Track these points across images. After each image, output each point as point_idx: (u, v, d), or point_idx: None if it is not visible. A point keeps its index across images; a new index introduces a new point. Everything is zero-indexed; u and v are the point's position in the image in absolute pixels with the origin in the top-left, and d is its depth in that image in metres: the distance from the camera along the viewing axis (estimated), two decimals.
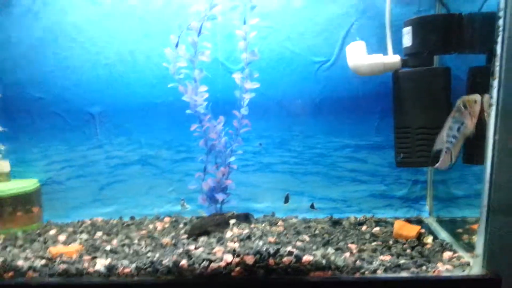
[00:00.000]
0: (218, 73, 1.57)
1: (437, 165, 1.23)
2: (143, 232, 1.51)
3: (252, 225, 1.49)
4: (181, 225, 1.56)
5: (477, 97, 1.17)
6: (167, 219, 1.63)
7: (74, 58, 1.60)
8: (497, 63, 1.08)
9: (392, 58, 1.36)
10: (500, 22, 1.06)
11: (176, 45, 1.44)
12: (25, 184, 1.59)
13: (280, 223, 1.53)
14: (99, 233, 1.53)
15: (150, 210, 1.68)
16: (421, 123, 1.29)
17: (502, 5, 1.05)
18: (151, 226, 1.57)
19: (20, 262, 1.29)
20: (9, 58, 1.60)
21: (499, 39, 1.07)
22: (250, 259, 1.20)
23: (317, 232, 1.43)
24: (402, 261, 1.20)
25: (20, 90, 1.62)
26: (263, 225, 1.50)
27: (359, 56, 1.37)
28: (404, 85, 1.34)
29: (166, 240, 1.42)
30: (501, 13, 1.05)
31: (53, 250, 1.38)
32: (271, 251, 1.21)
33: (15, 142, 1.64)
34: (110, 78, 1.61)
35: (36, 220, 1.62)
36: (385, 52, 1.36)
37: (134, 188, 1.67)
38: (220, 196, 1.52)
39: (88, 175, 1.67)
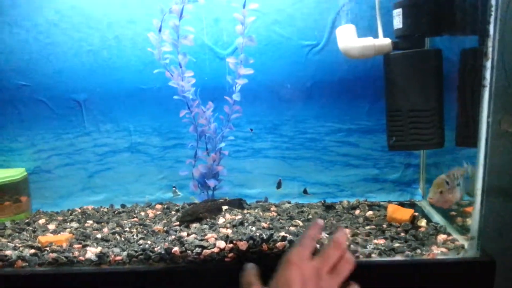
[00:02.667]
0: (206, 58, 1.54)
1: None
2: (135, 219, 1.49)
3: (245, 211, 1.48)
4: (173, 212, 1.55)
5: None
6: (158, 206, 1.62)
7: (56, 45, 1.55)
8: (490, 44, 1.07)
9: (383, 41, 1.34)
10: (493, 1, 1.05)
11: (159, 30, 1.40)
12: (12, 173, 1.55)
13: (273, 208, 1.52)
14: (89, 222, 1.50)
15: (141, 197, 1.65)
16: (413, 106, 1.28)
17: None
18: (142, 214, 1.55)
19: (8, 252, 1.26)
20: None
21: (492, 19, 1.06)
22: (243, 245, 1.19)
23: (310, 217, 1.43)
24: (396, 244, 1.21)
25: (3, 78, 1.57)
26: (256, 210, 1.49)
27: (350, 39, 1.34)
28: (396, 68, 1.32)
29: (158, 227, 1.40)
30: None
31: (43, 239, 1.35)
32: (264, 236, 1.20)
33: (0, 131, 1.60)
34: (94, 65, 1.56)
35: (25, 210, 1.58)
36: (375, 35, 1.34)
37: (124, 176, 1.64)
38: (211, 183, 1.50)
39: (76, 163, 1.64)
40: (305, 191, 1.61)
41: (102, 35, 1.54)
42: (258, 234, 1.21)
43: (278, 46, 1.54)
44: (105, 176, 1.65)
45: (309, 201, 1.59)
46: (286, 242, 1.18)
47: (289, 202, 1.59)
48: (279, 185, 1.61)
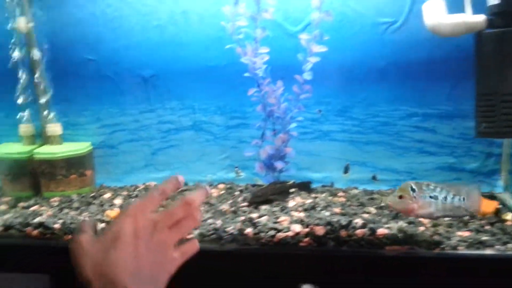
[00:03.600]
0: (275, 35, 1.47)
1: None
2: None
3: (313, 195, 1.43)
4: (236, 193, 1.51)
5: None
6: (221, 186, 1.59)
7: (123, 19, 1.53)
8: None
9: (476, 18, 1.23)
10: None
11: (236, 2, 1.35)
12: (78, 147, 1.56)
13: (340, 194, 1.46)
14: None
15: (203, 176, 1.63)
16: (508, 89, 1.17)
17: None
18: None
19: None
20: (58, 19, 1.54)
21: None
22: (320, 230, 1.14)
23: (383, 204, 1.36)
24: (484, 237, 1.13)
25: (70, 52, 1.56)
26: (324, 195, 1.43)
27: (439, 16, 1.24)
28: (489, 48, 1.21)
29: (224, 207, 1.38)
30: None
31: (111, 213, 1.35)
32: (343, 222, 1.15)
33: (66, 105, 1.61)
34: (161, 40, 1.53)
35: (90, 184, 1.60)
36: (461, 12, 1.24)
37: (187, 154, 1.62)
38: (279, 164, 1.45)
39: (140, 140, 1.63)
40: (374, 178, 1.54)
41: (169, 10, 1.51)
42: (336, 219, 1.16)
43: (353, 23, 1.45)
44: (168, 153, 1.63)
45: (378, 187, 1.52)
46: (367, 229, 1.13)
47: (356, 188, 1.53)
48: (346, 170, 1.54)
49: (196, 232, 1.21)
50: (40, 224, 1.28)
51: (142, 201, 0.78)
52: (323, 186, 1.55)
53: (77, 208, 1.43)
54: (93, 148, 1.61)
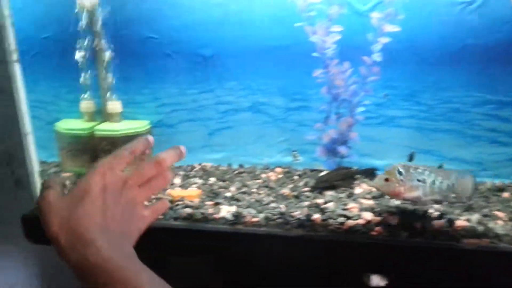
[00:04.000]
0: (342, 14, 1.41)
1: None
2: (259, 181, 1.45)
3: None
4: (295, 177, 1.49)
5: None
6: (278, 169, 1.56)
7: None
8: None
9: None
10: None
11: None
12: (138, 125, 1.56)
13: None
14: (212, 179, 1.49)
15: (259, 159, 1.61)
16: None
17: None
18: (263, 176, 1.51)
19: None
20: None
21: None
22: (393, 219, 1.10)
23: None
24: None
25: (131, 28, 1.55)
26: None
27: None
28: None
29: (285, 191, 1.35)
30: None
31: (174, 193, 1.35)
32: (418, 212, 1.10)
33: (125, 82, 1.61)
34: (223, 19, 1.50)
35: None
36: None
37: (244, 136, 1.60)
38: (343, 150, 1.41)
39: (198, 120, 1.61)
40: (440, 167, 1.47)
41: None
42: (410, 209, 1.11)
43: (427, 2, 1.37)
44: (225, 134, 1.61)
45: None
46: (444, 221, 1.08)
47: None
48: (411, 158, 1.48)
49: (261, 215, 1.19)
50: None
51: (111, 159, 0.76)
52: None
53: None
54: (151, 127, 1.61)
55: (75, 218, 0.70)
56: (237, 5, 1.48)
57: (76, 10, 1.48)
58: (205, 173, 1.55)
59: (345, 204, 1.19)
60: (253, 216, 1.19)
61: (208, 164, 1.64)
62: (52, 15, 1.52)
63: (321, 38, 1.33)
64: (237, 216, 1.19)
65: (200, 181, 1.47)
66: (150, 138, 0.84)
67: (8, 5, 1.16)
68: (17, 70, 1.21)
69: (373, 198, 1.24)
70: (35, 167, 1.30)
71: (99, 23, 1.50)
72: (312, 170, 1.53)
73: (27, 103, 1.28)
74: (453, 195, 1.11)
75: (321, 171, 1.50)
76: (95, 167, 0.76)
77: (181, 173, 1.56)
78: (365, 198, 1.24)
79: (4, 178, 1.73)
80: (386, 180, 1.07)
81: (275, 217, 1.18)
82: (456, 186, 1.10)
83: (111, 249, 0.68)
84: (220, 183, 1.45)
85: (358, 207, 1.18)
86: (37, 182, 1.29)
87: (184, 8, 1.51)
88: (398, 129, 1.48)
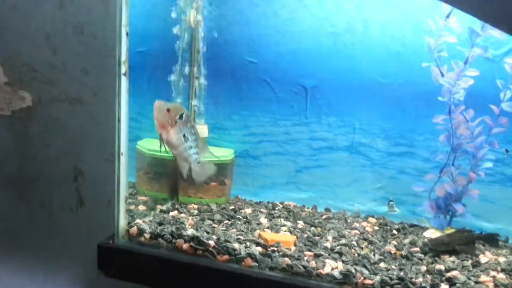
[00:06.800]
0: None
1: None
2: (355, 231, 1.30)
3: (503, 251, 1.21)
4: (394, 231, 1.33)
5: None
6: (372, 219, 1.41)
7: (295, 22, 1.40)
8: None
9: None
10: None
11: (448, 15, 1.17)
12: (223, 153, 1.45)
13: None
14: (300, 222, 1.35)
15: (349, 205, 1.46)
16: None
17: None
18: (357, 225, 1.36)
19: (236, 245, 1.14)
20: (226, 16, 1.44)
21: None
22: None
23: None
24: None
25: (232, 51, 1.46)
26: (505, 251, 1.21)
27: None
28: None
29: (390, 248, 1.19)
30: None
31: (267, 236, 1.21)
32: None
33: (216, 106, 1.50)
34: (332, 49, 1.39)
35: (227, 194, 1.48)
36: None
37: (335, 177, 1.46)
38: (459, 207, 1.25)
39: (287, 154, 1.48)
40: None
41: (348, 16, 1.36)
42: None
43: None
44: (315, 173, 1.48)
45: None
46: None
47: None
48: None
49: (375, 277, 1.03)
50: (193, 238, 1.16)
51: None
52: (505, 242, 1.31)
53: (219, 222, 1.31)
54: (235, 156, 1.49)
55: None
56: (351, 36, 1.37)
57: (177, 26, 1.40)
58: (290, 214, 1.41)
59: (476, 276, 1.03)
60: (365, 277, 1.03)
61: (292, 203, 1.50)
62: (151, 29, 1.43)
63: (452, 81, 1.19)
64: (347, 275, 1.04)
65: (288, 223, 1.33)
66: None
67: (127, 13, 1.07)
68: (123, 84, 1.11)
69: (503, 271, 1.07)
70: (123, 192, 1.17)
71: (199, 42, 1.42)
72: (412, 226, 1.37)
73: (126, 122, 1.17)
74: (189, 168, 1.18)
75: (422, 228, 1.34)
76: None
77: (263, 210, 1.43)
78: (495, 270, 1.07)
79: (68, 194, 1.64)
80: (168, 110, 1.09)
81: (393, 282, 1.02)
82: (196, 166, 1.18)
83: None
84: (313, 229, 1.30)
85: (492, 281, 1.01)
86: (122, 206, 1.17)
87: (292, 35, 1.41)
88: None
